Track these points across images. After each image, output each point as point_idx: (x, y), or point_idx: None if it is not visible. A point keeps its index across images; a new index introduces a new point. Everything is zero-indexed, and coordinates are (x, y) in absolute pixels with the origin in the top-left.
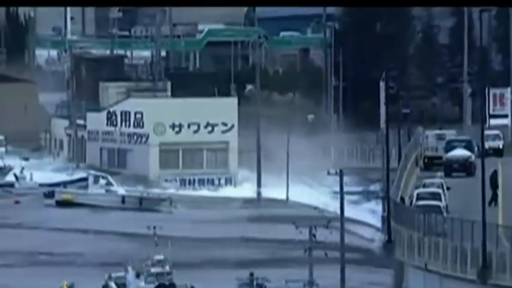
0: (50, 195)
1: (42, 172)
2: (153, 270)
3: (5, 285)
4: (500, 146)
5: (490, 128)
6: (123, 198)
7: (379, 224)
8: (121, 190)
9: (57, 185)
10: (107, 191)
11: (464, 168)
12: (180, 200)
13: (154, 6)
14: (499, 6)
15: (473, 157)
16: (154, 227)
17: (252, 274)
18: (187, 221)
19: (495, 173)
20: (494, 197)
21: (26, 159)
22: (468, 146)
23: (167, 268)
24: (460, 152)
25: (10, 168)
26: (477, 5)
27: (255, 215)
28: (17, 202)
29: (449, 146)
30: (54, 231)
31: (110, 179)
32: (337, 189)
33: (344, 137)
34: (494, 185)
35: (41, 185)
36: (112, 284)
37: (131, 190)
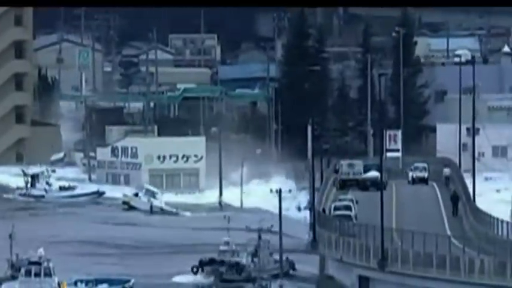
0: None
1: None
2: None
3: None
4: (426, 176)
5: (388, 158)
6: (151, 207)
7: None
8: (158, 202)
9: (75, 196)
10: (148, 201)
11: (375, 184)
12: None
13: (156, 7)
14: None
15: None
16: (228, 217)
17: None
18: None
19: (455, 192)
20: (455, 210)
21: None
22: (378, 169)
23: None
24: (372, 174)
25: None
26: (477, 5)
27: (218, 214)
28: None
29: (365, 169)
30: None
31: (156, 194)
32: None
33: (282, 165)
34: (455, 201)
35: (64, 197)
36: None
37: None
